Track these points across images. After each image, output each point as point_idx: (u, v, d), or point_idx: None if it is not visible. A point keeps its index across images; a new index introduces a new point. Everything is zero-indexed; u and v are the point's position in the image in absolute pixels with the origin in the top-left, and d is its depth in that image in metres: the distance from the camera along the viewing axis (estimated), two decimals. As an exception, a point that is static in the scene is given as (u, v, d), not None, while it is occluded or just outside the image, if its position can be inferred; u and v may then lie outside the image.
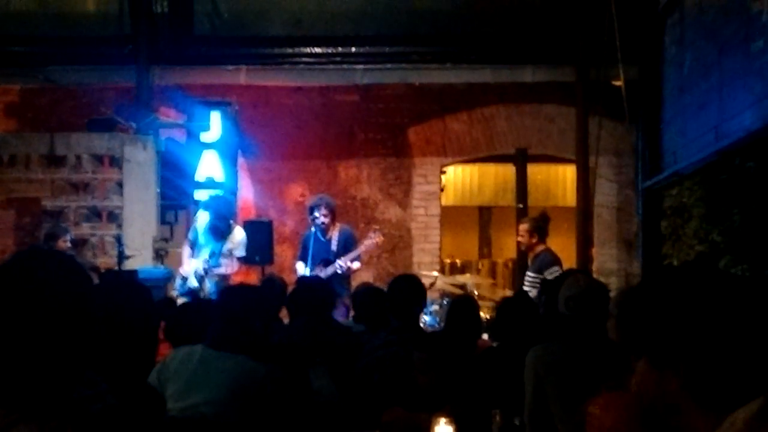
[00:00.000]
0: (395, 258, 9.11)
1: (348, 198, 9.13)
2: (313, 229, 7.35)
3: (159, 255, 8.28)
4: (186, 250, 7.40)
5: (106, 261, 7.99)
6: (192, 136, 8.79)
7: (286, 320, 4.98)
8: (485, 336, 5.28)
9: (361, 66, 8.97)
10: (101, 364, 1.93)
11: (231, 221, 7.41)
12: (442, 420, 3.39)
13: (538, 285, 6.19)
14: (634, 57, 8.10)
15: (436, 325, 6.60)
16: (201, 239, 7.32)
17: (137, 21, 8.72)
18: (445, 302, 6.84)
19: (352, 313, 5.79)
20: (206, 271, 7.17)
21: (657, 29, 7.99)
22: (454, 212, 10.97)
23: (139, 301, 2.53)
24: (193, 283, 7.16)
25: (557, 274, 6.07)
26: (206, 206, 7.42)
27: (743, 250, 5.63)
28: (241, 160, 9.12)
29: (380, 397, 3.99)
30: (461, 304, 4.75)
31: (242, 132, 9.07)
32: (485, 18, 8.81)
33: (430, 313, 6.84)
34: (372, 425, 3.78)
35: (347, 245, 7.33)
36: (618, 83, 8.00)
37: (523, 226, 7.11)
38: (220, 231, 7.26)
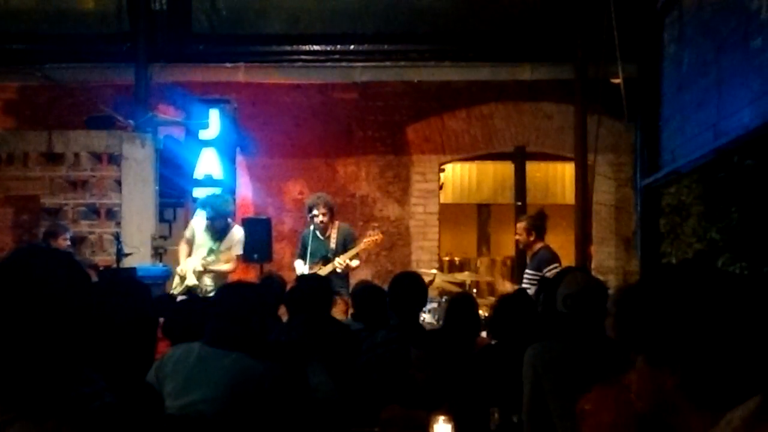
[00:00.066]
0: (394, 256, 9.11)
1: (347, 196, 9.14)
2: (311, 226, 7.35)
3: (157, 252, 8.29)
4: (183, 249, 7.40)
5: (105, 258, 8.00)
6: (190, 133, 8.79)
7: (285, 318, 4.97)
8: (483, 333, 5.28)
9: (359, 64, 8.97)
10: (99, 362, 1.93)
11: (229, 219, 7.42)
12: (441, 417, 3.39)
13: (536, 282, 6.19)
14: (633, 55, 8.09)
15: (435, 323, 6.60)
16: (198, 238, 7.32)
17: (136, 19, 8.71)
18: (443, 300, 6.83)
19: (351, 311, 5.79)
20: (204, 269, 7.17)
21: (655, 27, 7.99)
22: (453, 210, 10.98)
23: (137, 298, 2.53)
24: (192, 281, 7.16)
25: (556, 271, 6.07)
26: (203, 205, 7.43)
27: (742, 248, 5.64)
28: (239, 158, 9.12)
29: (379, 394, 4.00)
30: (460, 302, 4.75)
31: (241, 129, 9.07)
32: (484, 16, 8.81)
33: (429, 311, 6.83)
34: (370, 423, 3.78)
35: (346, 243, 7.34)
36: (617, 81, 8.00)
37: (521, 225, 7.11)
38: (217, 230, 7.26)
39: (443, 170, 9.67)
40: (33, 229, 8.26)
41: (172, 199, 8.93)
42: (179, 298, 6.55)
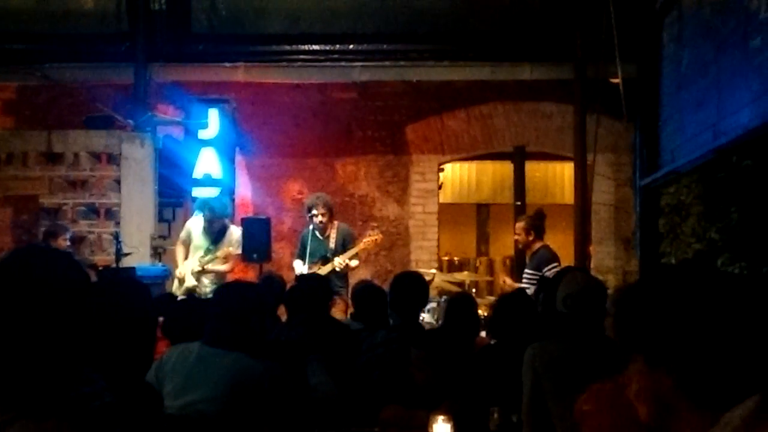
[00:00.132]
0: (393, 255, 9.11)
1: (346, 195, 9.13)
2: (311, 226, 7.35)
3: (157, 252, 8.29)
4: (180, 251, 7.40)
5: (104, 258, 8.00)
6: (190, 133, 8.79)
7: (284, 318, 4.98)
8: (483, 333, 5.28)
9: (359, 63, 8.96)
10: (99, 362, 1.93)
11: (226, 220, 7.43)
12: (440, 417, 3.39)
13: (536, 282, 6.19)
14: (632, 55, 8.10)
15: (434, 323, 6.60)
16: (195, 240, 7.32)
17: (135, 18, 8.70)
18: (443, 300, 6.84)
19: (351, 311, 5.79)
20: (202, 269, 7.17)
21: (655, 27, 8.00)
22: (452, 210, 10.98)
23: (136, 298, 2.52)
24: (191, 282, 7.16)
25: (555, 271, 6.07)
26: (202, 207, 7.42)
27: (741, 247, 5.64)
28: (238, 158, 9.12)
29: (379, 394, 4.00)
30: (459, 302, 4.75)
31: (240, 129, 9.07)
32: (483, 16, 8.80)
33: (428, 311, 6.83)
34: (370, 422, 3.78)
35: (345, 243, 7.34)
36: (616, 81, 7.99)
37: (520, 225, 7.11)
38: (215, 231, 7.27)
39: (442, 170, 9.67)
40: (32, 229, 8.26)
41: (172, 198, 8.92)
42: (179, 298, 6.55)
